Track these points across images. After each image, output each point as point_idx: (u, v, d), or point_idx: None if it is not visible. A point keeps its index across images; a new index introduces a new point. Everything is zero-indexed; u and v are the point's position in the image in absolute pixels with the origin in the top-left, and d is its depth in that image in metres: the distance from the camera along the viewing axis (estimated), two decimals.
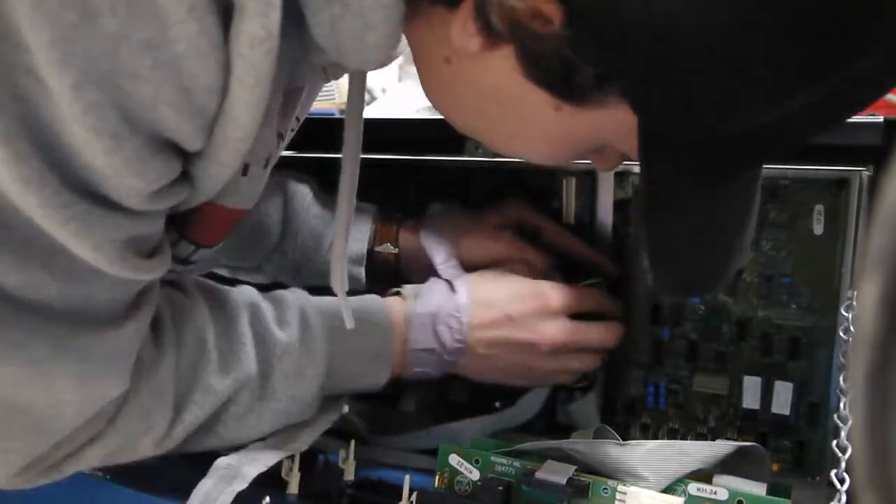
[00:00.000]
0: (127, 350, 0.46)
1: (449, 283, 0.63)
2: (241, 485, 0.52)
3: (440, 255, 0.66)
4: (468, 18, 0.40)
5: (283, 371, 0.55)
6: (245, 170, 0.48)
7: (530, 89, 0.42)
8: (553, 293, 0.62)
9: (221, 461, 0.54)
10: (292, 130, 0.56)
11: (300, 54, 0.43)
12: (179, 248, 0.51)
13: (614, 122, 0.42)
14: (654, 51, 0.37)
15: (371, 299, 0.61)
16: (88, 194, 0.38)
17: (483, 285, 0.63)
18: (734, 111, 0.39)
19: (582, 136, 0.46)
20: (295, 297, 0.59)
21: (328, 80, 0.52)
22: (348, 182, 0.52)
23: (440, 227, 0.69)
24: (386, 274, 0.68)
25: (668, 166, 0.42)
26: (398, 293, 0.63)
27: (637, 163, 0.43)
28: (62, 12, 0.33)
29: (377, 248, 0.68)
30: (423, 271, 0.67)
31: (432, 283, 0.64)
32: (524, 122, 0.45)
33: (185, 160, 0.41)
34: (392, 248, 0.68)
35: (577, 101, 0.42)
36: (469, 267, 0.66)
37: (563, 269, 0.67)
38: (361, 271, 0.68)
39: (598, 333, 0.63)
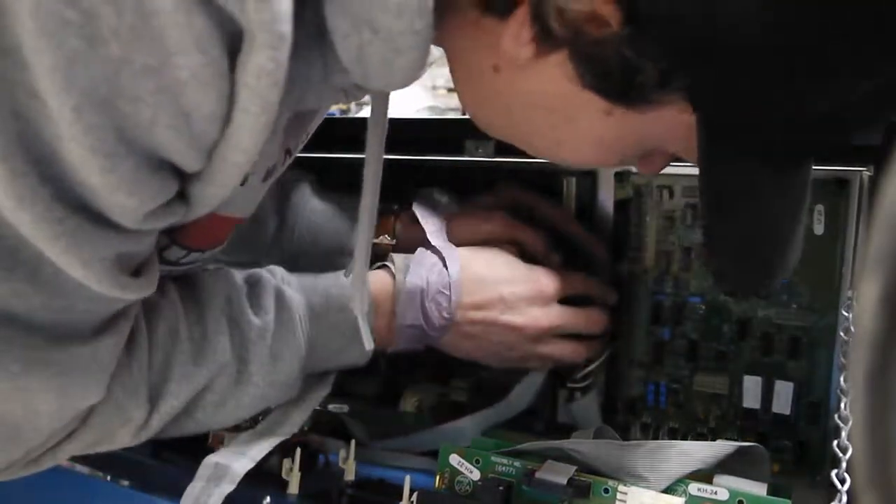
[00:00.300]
0: (104, 363, 0.46)
1: (440, 256, 0.62)
2: (230, 486, 0.52)
3: (432, 225, 0.65)
4: (524, 25, 0.40)
5: (259, 355, 0.55)
6: (244, 181, 0.48)
7: (583, 95, 0.42)
8: (546, 279, 0.62)
9: (209, 459, 0.54)
10: (302, 142, 0.56)
11: (321, 76, 0.43)
12: (170, 252, 0.51)
13: (668, 123, 0.42)
14: (719, 42, 0.36)
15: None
16: (82, 209, 0.38)
17: (475, 263, 0.62)
18: (796, 99, 0.39)
19: (633, 140, 0.45)
20: (271, 276, 0.58)
21: (348, 102, 0.51)
22: (370, 201, 0.51)
23: (434, 203, 0.68)
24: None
25: (728, 160, 0.41)
26: (385, 266, 0.63)
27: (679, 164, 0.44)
28: (66, 38, 0.32)
29: (374, 241, 0.68)
30: None
31: (422, 254, 0.63)
32: (574, 128, 0.45)
33: (182, 180, 0.41)
34: (389, 239, 0.68)
35: (633, 103, 0.42)
36: (459, 245, 0.65)
37: (560, 251, 0.67)
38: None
39: (585, 319, 0.63)
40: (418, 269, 0.61)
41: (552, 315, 0.62)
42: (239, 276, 0.57)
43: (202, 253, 0.53)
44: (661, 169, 0.51)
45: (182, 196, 0.42)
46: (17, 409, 0.43)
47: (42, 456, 0.48)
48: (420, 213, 0.67)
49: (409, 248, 0.67)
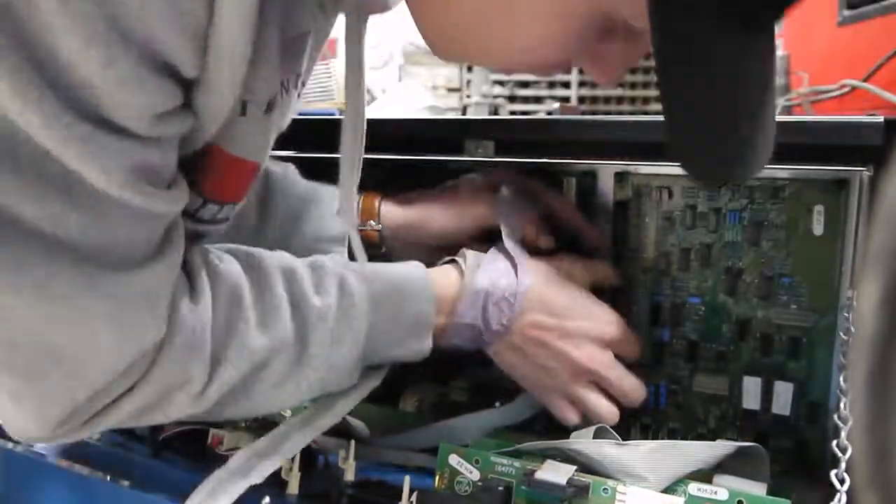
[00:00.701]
0: (159, 291, 0.45)
1: (513, 262, 0.62)
2: (259, 478, 0.52)
3: (507, 227, 0.64)
4: None
5: (320, 338, 0.54)
6: (243, 109, 0.48)
7: None
8: (610, 323, 0.62)
9: (242, 453, 0.54)
10: (302, 84, 0.55)
11: None
12: (197, 208, 0.51)
13: None
14: None
15: (415, 265, 0.60)
16: (91, 117, 0.38)
17: (549, 282, 0.61)
18: None
19: (586, 8, 0.44)
20: (334, 263, 0.57)
21: (328, 20, 0.51)
22: (350, 137, 0.51)
23: (511, 202, 0.67)
24: (371, 253, 0.66)
25: (680, 18, 0.39)
26: (454, 260, 0.62)
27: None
28: None
29: (360, 227, 0.67)
30: (409, 247, 0.66)
31: (495, 256, 0.62)
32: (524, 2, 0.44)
33: (185, 92, 0.42)
34: (375, 224, 0.68)
35: None
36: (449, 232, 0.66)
37: (560, 240, 0.67)
38: (344, 252, 0.66)
39: (628, 382, 0.62)
40: (490, 271, 0.61)
41: (605, 360, 0.61)
42: (302, 260, 0.57)
43: (226, 207, 0.53)
44: (626, 65, 0.49)
45: (187, 108, 0.43)
46: (77, 340, 0.42)
47: (101, 414, 0.46)
48: (498, 212, 0.66)
49: (397, 231, 0.67)
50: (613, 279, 0.66)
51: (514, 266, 0.61)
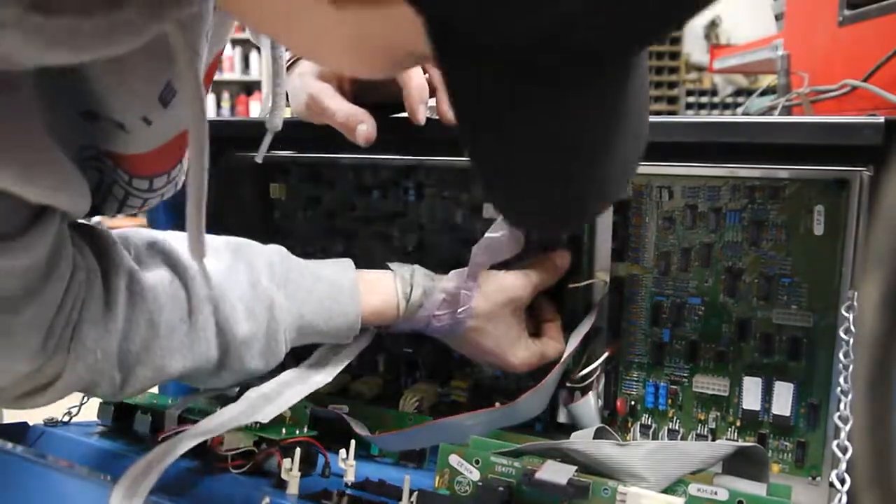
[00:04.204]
0: (22, 335, 0.48)
1: (458, 298, 0.65)
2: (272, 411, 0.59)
3: (474, 265, 0.66)
4: None
5: (242, 357, 0.59)
6: (123, 127, 0.49)
7: None
8: (516, 362, 0.68)
9: (248, 398, 0.61)
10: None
11: None
12: (119, 177, 0.53)
13: (407, 22, 0.34)
14: None
15: (347, 279, 0.64)
16: None
17: (490, 326, 0.67)
18: (506, 15, 0.32)
19: (380, 41, 0.39)
20: (269, 286, 0.61)
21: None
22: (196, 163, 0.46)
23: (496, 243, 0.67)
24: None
25: (470, 74, 0.35)
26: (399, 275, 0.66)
27: None
28: None
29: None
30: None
31: (444, 287, 0.65)
32: (306, 25, 0.38)
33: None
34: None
35: None
36: None
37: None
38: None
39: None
40: (433, 301, 0.65)
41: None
42: (243, 276, 0.60)
43: (156, 179, 0.55)
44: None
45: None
46: None
47: (24, 397, 0.52)
48: (478, 248, 0.66)
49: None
50: (560, 270, 0.69)
51: (463, 303, 0.65)
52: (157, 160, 0.54)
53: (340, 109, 0.64)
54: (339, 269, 0.64)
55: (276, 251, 0.63)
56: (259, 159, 0.67)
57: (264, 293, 0.60)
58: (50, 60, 0.39)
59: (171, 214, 0.78)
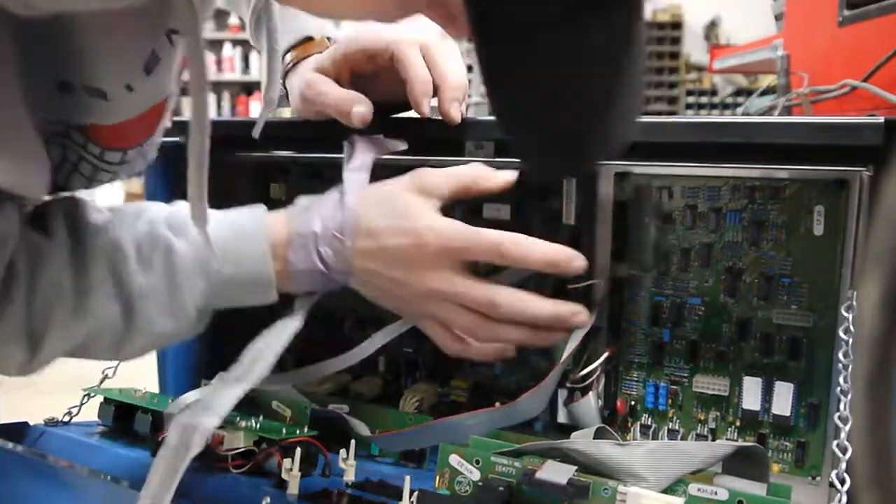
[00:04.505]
0: None
1: (341, 196, 0.59)
2: (198, 447, 0.50)
3: (355, 160, 0.62)
4: None
5: (147, 313, 0.57)
6: (105, 95, 0.50)
7: None
8: (434, 236, 0.57)
9: (179, 420, 0.51)
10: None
11: None
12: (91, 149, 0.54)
13: None
14: None
15: (249, 218, 0.59)
16: None
17: (371, 208, 0.59)
18: None
19: None
20: (166, 232, 0.57)
21: None
22: (197, 136, 0.47)
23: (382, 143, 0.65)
24: None
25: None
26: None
27: None
28: None
29: None
30: None
31: (328, 195, 0.60)
32: None
33: None
34: None
35: None
36: None
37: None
38: None
39: (482, 294, 0.58)
40: (316, 210, 0.59)
41: (442, 277, 0.57)
42: (135, 230, 0.57)
43: (130, 151, 0.56)
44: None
45: None
46: None
47: None
48: (356, 144, 0.63)
49: None
50: (489, 181, 0.62)
51: (342, 199, 0.59)
52: (136, 129, 0.54)
53: (334, 92, 0.63)
54: (244, 212, 0.60)
55: (181, 205, 0.59)
56: (255, 134, 0.66)
57: (161, 239, 0.57)
58: (66, 6, 0.41)
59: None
